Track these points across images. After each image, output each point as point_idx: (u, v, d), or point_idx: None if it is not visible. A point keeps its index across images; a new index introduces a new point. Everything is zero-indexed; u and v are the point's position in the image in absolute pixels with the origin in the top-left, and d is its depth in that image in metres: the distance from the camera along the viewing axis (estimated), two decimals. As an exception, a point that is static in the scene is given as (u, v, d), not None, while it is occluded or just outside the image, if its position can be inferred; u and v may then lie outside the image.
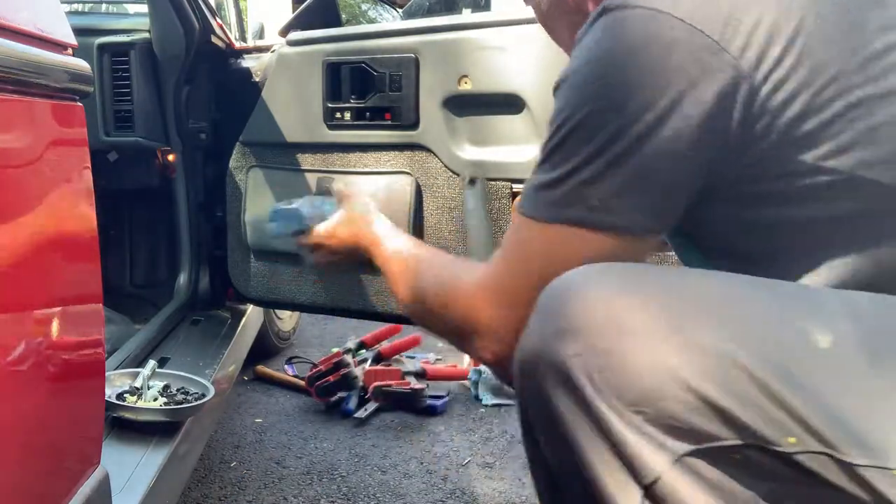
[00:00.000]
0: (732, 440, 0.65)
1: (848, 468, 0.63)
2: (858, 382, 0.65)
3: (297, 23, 1.92)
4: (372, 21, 2.35)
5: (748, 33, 0.72)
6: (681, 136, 0.73)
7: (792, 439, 0.64)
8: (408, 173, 1.70)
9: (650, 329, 0.68)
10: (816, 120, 0.72)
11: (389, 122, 1.71)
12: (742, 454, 0.66)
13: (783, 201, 0.76)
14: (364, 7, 2.36)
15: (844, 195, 0.74)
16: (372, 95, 1.71)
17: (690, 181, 0.76)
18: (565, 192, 0.76)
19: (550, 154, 0.77)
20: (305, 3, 1.97)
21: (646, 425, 0.67)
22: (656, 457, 0.66)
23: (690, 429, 0.66)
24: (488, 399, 2.45)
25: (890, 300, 0.72)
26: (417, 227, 1.70)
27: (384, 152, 1.73)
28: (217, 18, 2.08)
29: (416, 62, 1.66)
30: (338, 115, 1.76)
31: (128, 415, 1.34)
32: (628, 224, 0.75)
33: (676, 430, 0.66)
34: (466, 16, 1.83)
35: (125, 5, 2.67)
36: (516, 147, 1.59)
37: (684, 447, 0.66)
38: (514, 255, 0.82)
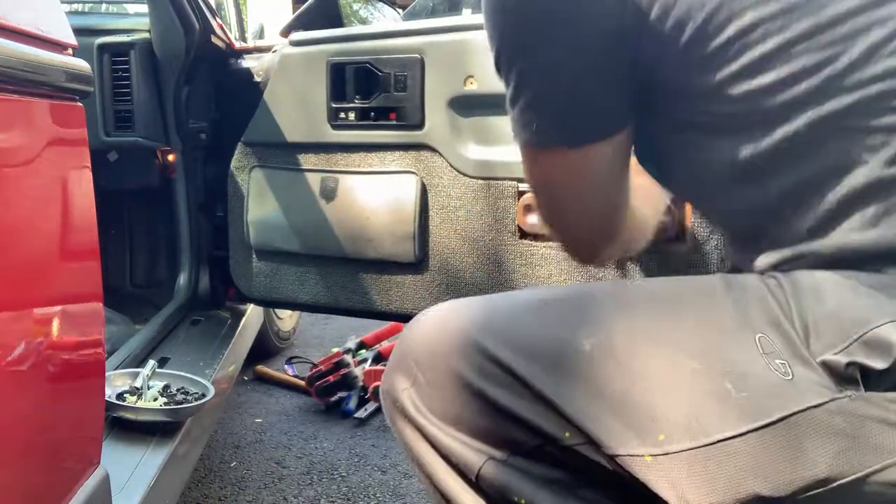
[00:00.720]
0: (533, 442, 0.76)
1: (609, 457, 0.72)
2: (611, 381, 0.73)
3: (298, 23, 1.91)
4: (363, 21, 2.34)
5: None
6: (578, 71, 0.77)
7: (567, 434, 0.74)
8: (413, 173, 1.70)
9: (453, 353, 0.79)
10: (710, 46, 0.72)
11: (394, 122, 1.71)
12: (544, 450, 0.76)
13: (696, 126, 0.78)
14: (356, 7, 2.35)
15: (746, 120, 0.74)
16: (377, 95, 1.71)
17: (609, 102, 0.81)
18: (513, 120, 0.84)
19: (497, 73, 0.84)
20: (307, 4, 1.97)
21: (466, 437, 0.79)
22: (476, 458, 0.78)
23: (501, 437, 0.77)
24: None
25: (669, 291, 0.78)
26: (422, 227, 1.70)
27: (389, 152, 1.74)
28: (217, 18, 2.08)
29: (422, 62, 1.66)
30: (342, 115, 1.76)
31: (128, 415, 1.34)
32: (561, 141, 0.83)
33: (491, 438, 0.78)
34: (472, 17, 1.82)
35: (125, 5, 2.67)
36: None
37: (500, 454, 0.78)
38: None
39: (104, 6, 2.73)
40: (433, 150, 1.68)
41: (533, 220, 1.59)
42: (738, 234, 0.84)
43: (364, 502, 1.84)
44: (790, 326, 0.69)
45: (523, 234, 1.62)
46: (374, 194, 1.74)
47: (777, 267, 0.75)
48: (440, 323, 0.84)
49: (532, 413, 0.75)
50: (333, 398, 2.40)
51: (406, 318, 1.82)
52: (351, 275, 1.81)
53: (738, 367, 0.69)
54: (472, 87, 1.61)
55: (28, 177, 0.79)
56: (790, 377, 0.67)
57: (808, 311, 0.69)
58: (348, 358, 2.45)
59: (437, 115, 1.66)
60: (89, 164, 0.91)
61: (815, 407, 0.66)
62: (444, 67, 1.64)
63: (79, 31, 0.97)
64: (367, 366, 2.49)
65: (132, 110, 2.00)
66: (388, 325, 2.69)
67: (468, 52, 1.61)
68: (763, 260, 0.77)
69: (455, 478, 0.81)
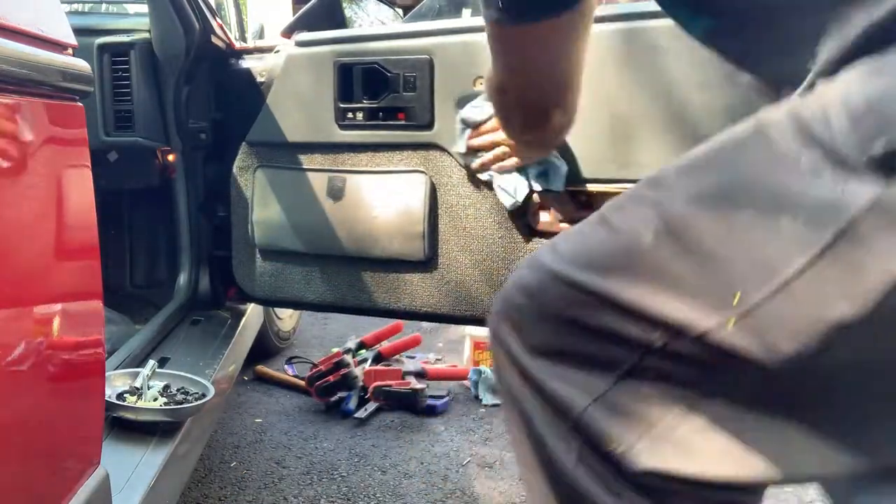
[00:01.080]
0: (631, 358, 0.75)
1: (698, 340, 0.70)
2: (678, 262, 0.73)
3: (301, 24, 1.91)
4: (349, 21, 2.35)
5: None
6: None
7: (656, 334, 0.72)
8: (422, 172, 1.71)
9: (541, 289, 0.81)
10: None
11: (403, 122, 1.72)
12: (642, 366, 0.74)
13: None
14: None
15: None
16: (385, 96, 1.72)
17: None
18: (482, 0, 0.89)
19: None
20: (309, 4, 1.97)
21: (569, 372, 0.79)
22: (579, 401, 0.77)
23: (600, 362, 0.76)
24: (488, 399, 2.46)
25: (705, 155, 0.76)
26: (432, 225, 1.71)
27: (398, 152, 1.74)
28: (217, 18, 2.08)
29: (431, 63, 1.67)
30: (350, 115, 1.76)
31: (128, 415, 1.34)
32: (527, 17, 0.88)
33: (591, 366, 0.77)
34: (475, 18, 1.83)
35: (125, 5, 2.67)
36: None
37: (605, 384, 0.76)
38: None
39: (104, 6, 2.73)
40: (442, 149, 1.69)
41: (544, 218, 1.60)
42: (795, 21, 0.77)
43: (364, 502, 1.84)
44: (829, 134, 0.66)
45: (533, 232, 1.63)
46: (383, 193, 1.74)
47: (832, 60, 0.71)
48: (529, 263, 0.85)
49: (620, 325, 0.75)
50: (333, 398, 2.40)
51: (415, 316, 1.83)
52: (359, 274, 1.81)
53: (789, 198, 0.67)
54: (482, 88, 1.62)
55: (28, 177, 0.79)
56: (841, 189, 0.64)
57: (846, 110, 0.66)
58: (348, 358, 2.45)
59: (446, 115, 1.66)
60: (89, 164, 0.91)
61: (871, 207, 0.62)
62: (454, 68, 1.65)
63: (79, 31, 0.97)
64: (367, 366, 2.50)
65: (132, 110, 2.00)
66: (388, 325, 2.69)
67: (477, 53, 1.61)
68: (827, 42, 0.71)
69: (551, 427, 0.81)
